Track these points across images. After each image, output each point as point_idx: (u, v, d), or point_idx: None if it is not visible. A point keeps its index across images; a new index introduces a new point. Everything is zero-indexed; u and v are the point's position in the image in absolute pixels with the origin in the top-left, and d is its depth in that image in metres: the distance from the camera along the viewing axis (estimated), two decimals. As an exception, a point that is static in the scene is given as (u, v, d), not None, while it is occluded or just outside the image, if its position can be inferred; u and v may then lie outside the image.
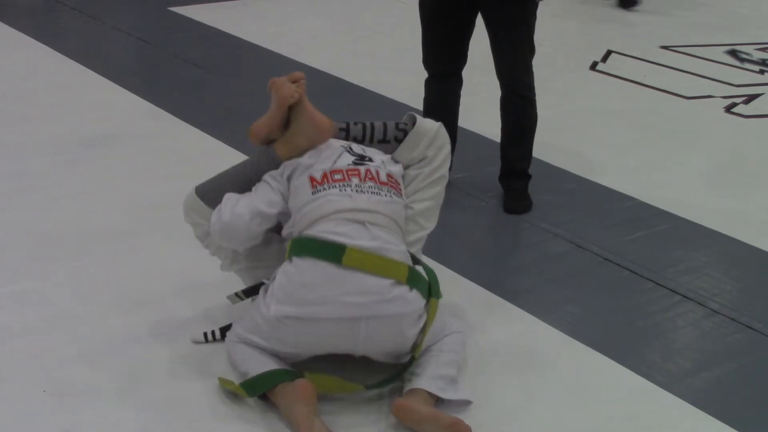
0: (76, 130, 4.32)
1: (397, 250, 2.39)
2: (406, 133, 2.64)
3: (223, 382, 2.39)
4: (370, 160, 2.53)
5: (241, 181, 2.56)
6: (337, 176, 2.44)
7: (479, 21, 3.52)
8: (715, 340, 2.81)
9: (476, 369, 2.54)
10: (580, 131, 4.58)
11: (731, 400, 2.51)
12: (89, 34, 6.30)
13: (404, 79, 5.09)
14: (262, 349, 2.40)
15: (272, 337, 2.36)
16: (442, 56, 3.61)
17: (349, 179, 2.44)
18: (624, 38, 6.39)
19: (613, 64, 5.76)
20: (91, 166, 3.92)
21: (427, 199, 2.63)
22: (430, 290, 2.44)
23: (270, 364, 2.36)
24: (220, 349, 2.58)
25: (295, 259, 2.34)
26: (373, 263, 2.31)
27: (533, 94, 3.59)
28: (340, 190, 2.41)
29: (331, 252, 2.30)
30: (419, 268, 2.46)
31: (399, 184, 2.56)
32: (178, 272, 3.04)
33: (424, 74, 3.70)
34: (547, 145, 4.03)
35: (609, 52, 5.99)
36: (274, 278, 2.39)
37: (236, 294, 2.64)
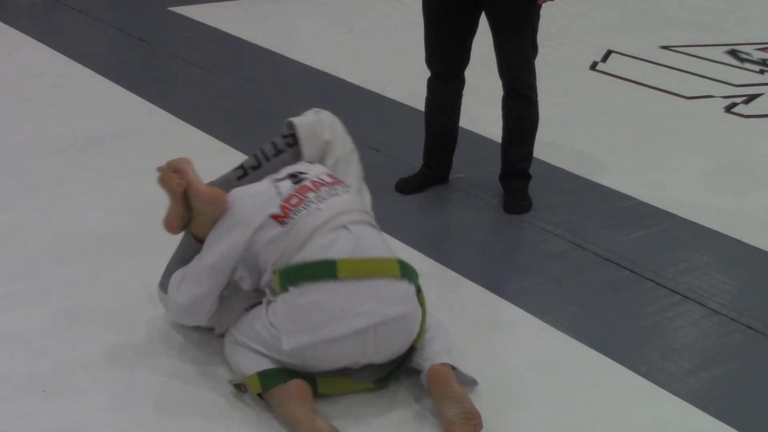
0: (76, 130, 4.33)
1: (381, 245, 2.45)
2: (293, 136, 2.69)
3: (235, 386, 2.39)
4: (302, 173, 2.55)
5: (187, 262, 2.57)
6: (294, 201, 2.45)
7: (482, 20, 3.52)
8: (715, 340, 2.81)
9: (476, 369, 2.54)
10: (580, 131, 4.58)
11: (731, 400, 2.51)
12: (89, 34, 6.31)
13: (404, 79, 5.10)
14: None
15: (277, 355, 2.37)
16: (445, 56, 3.61)
17: (306, 196, 2.46)
18: (624, 38, 6.39)
19: (613, 64, 5.76)
20: (91, 166, 3.92)
21: (355, 178, 2.71)
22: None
23: (265, 363, 2.37)
24: (221, 349, 2.58)
25: (292, 288, 2.33)
26: (368, 267, 2.34)
27: (535, 94, 3.59)
28: (306, 211, 2.42)
29: (325, 270, 2.32)
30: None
31: (340, 179, 2.61)
32: (178, 272, 3.04)
33: (424, 74, 3.70)
34: (547, 145, 4.03)
35: (609, 52, 5.99)
36: (269, 301, 2.39)
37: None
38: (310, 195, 2.46)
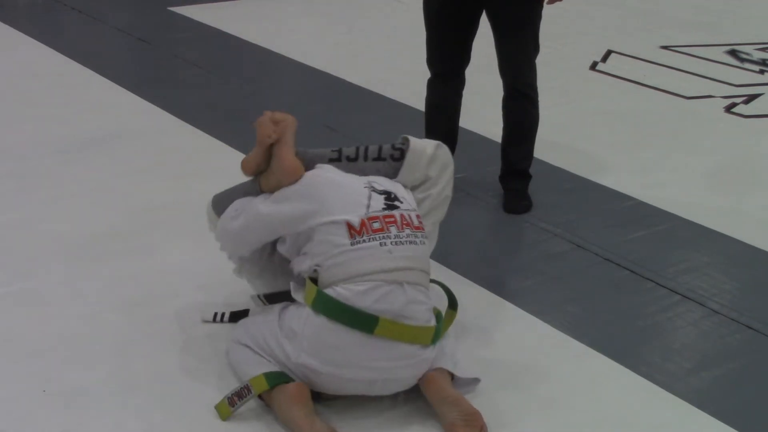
0: (76, 130, 4.33)
1: (426, 308, 2.40)
2: (402, 152, 2.63)
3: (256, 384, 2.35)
4: (398, 199, 2.48)
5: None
6: (376, 224, 2.38)
7: (482, 20, 3.52)
8: (715, 340, 2.81)
9: (475, 369, 2.54)
10: (580, 131, 4.58)
11: (731, 400, 2.51)
12: (89, 34, 6.31)
13: (404, 79, 5.10)
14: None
15: (286, 369, 2.37)
16: (446, 56, 3.60)
17: (388, 229, 2.39)
18: (624, 38, 6.39)
19: (613, 64, 5.76)
20: (91, 166, 3.92)
21: (433, 222, 2.66)
22: (450, 303, 2.64)
23: (269, 366, 2.37)
24: (222, 349, 2.58)
25: (324, 319, 2.30)
26: (404, 333, 2.32)
27: (536, 94, 3.59)
28: (380, 244, 2.36)
29: (365, 323, 2.29)
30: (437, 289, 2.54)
31: (423, 225, 2.54)
32: (177, 272, 3.04)
33: (424, 74, 3.70)
34: (547, 145, 4.03)
35: (609, 52, 5.99)
36: (291, 308, 2.39)
37: (259, 297, 2.67)
38: (393, 229, 2.39)
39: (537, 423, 2.38)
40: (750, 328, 2.86)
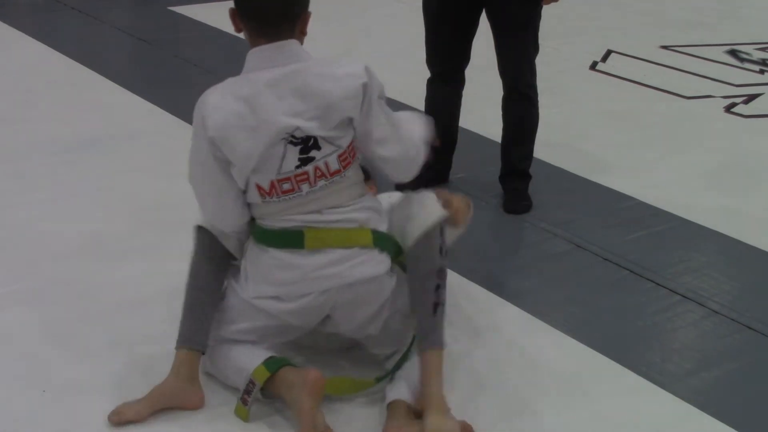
0: (76, 130, 4.33)
1: (354, 209, 2.36)
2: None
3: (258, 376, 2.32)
4: (317, 146, 2.29)
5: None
6: (286, 185, 2.31)
7: (481, 19, 3.52)
8: (715, 340, 2.81)
9: (475, 369, 2.54)
10: (580, 131, 4.58)
11: (731, 400, 2.51)
12: (89, 34, 6.31)
13: (404, 79, 5.08)
14: (250, 341, 2.41)
15: (252, 318, 2.39)
16: (446, 56, 3.60)
17: (299, 188, 2.31)
18: (624, 38, 6.39)
19: (613, 64, 5.76)
20: (91, 166, 3.92)
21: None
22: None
23: (263, 352, 2.37)
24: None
25: (261, 245, 2.38)
26: (336, 238, 2.33)
27: (536, 94, 3.59)
28: (291, 200, 2.33)
29: (292, 240, 2.33)
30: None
31: (354, 151, 2.37)
32: (177, 272, 3.03)
33: (424, 74, 3.70)
34: (547, 145, 4.03)
35: (609, 52, 5.99)
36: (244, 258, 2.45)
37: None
38: (304, 187, 2.32)
39: (536, 423, 2.38)
40: (750, 328, 2.86)
